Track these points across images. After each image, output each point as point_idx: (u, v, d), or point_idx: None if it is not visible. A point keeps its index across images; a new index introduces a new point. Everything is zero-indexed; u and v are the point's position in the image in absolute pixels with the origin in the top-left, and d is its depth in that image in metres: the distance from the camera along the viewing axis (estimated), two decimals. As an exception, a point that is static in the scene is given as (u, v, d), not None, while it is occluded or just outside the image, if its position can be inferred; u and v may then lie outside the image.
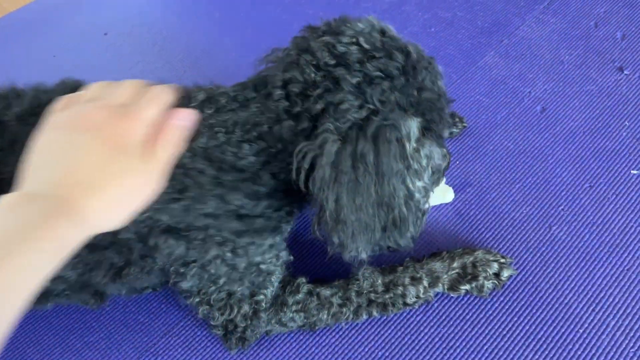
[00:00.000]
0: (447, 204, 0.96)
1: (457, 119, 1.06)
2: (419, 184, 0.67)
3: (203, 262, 0.74)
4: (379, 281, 0.83)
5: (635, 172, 0.97)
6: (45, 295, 0.79)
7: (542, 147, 1.03)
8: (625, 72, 1.13)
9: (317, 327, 0.83)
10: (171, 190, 0.69)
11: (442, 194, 0.95)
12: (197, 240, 0.73)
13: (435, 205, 0.96)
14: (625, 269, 0.85)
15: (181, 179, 0.69)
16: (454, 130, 1.06)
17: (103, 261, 0.75)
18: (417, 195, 0.67)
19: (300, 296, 0.82)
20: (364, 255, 0.70)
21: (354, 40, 0.66)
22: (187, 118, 0.57)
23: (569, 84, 1.13)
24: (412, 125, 0.65)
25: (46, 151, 0.51)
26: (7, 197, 0.47)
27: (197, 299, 0.80)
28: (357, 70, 0.64)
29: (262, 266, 0.78)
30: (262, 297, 0.80)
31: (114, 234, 0.72)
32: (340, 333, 0.84)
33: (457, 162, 1.02)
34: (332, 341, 0.84)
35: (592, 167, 0.98)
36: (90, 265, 0.75)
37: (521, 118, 1.08)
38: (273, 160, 0.70)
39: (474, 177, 1.00)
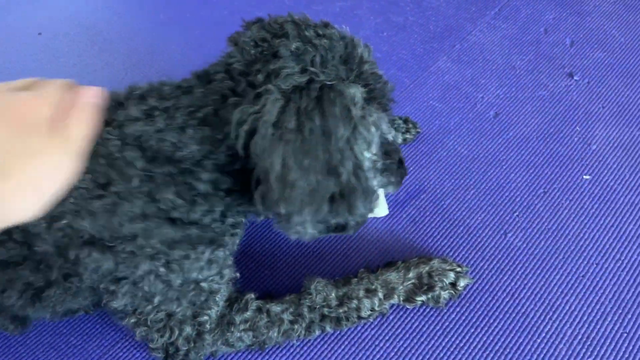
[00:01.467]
0: (383, 217, 0.92)
1: (410, 125, 1.03)
2: (368, 154, 0.63)
3: (134, 278, 0.67)
4: (333, 295, 0.79)
5: (587, 177, 0.96)
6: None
7: (496, 153, 1.01)
8: (575, 77, 1.13)
9: (266, 346, 0.78)
10: (92, 184, 0.62)
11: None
12: (124, 253, 0.65)
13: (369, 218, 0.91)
14: (581, 275, 0.84)
15: (105, 171, 0.62)
16: (408, 136, 1.03)
17: (16, 280, 0.67)
18: (367, 164, 0.63)
19: (248, 314, 0.76)
20: (310, 232, 0.64)
21: (289, 19, 0.66)
22: (96, 95, 0.53)
23: (521, 89, 1.12)
24: (356, 92, 0.62)
25: None
26: None
27: (133, 320, 0.73)
28: (296, 38, 0.63)
29: (203, 284, 0.72)
30: (205, 318, 0.73)
31: (28, 246, 0.65)
32: (291, 351, 0.79)
33: (411, 169, 0.99)
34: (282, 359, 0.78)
35: (545, 173, 0.97)
36: (1, 286, 0.67)
37: (474, 123, 1.07)
38: (218, 149, 0.64)
39: (428, 184, 0.97)
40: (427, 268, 0.82)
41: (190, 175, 0.65)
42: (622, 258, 0.86)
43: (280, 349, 0.79)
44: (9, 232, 0.65)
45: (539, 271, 0.85)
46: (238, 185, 0.66)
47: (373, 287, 0.80)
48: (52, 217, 0.62)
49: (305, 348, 0.80)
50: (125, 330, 0.81)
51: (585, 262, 0.85)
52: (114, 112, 0.65)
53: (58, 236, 0.64)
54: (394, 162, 0.78)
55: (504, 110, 1.08)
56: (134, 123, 0.64)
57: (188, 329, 0.73)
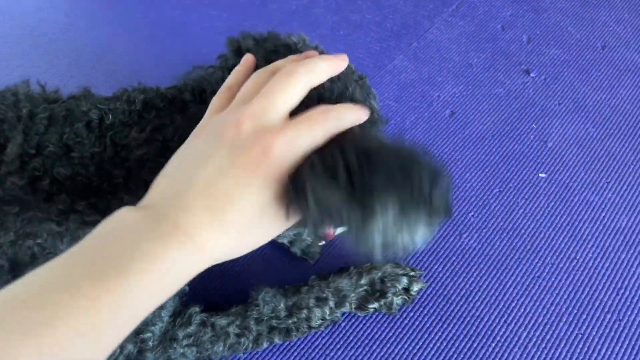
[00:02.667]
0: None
1: (365, 125, 1.01)
2: None
3: None
4: (282, 305, 0.76)
5: (543, 175, 0.95)
6: None
7: (451, 152, 0.99)
8: (531, 74, 1.12)
9: (212, 361, 0.74)
10: None
11: None
12: None
13: None
14: (536, 276, 0.82)
15: None
16: (363, 136, 1.00)
17: None
18: None
19: (192, 328, 0.72)
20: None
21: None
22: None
23: (477, 87, 1.11)
24: None
25: (179, 160, 0.49)
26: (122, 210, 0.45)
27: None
28: None
29: (146, 295, 0.68)
30: (149, 334, 0.70)
31: None
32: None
33: (366, 170, 0.97)
34: (230, 373, 0.75)
35: (501, 172, 0.96)
36: None
37: (430, 122, 1.05)
38: None
39: (383, 186, 0.95)
40: (379, 274, 0.79)
41: None
42: (577, 257, 0.84)
43: (225, 363, 0.76)
44: None
45: (493, 272, 0.83)
46: None
47: (324, 295, 0.77)
48: None
49: (254, 360, 0.76)
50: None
51: (540, 262, 0.84)
52: None
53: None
54: None
55: (460, 109, 1.07)
56: None
57: (130, 347, 0.69)
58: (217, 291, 0.83)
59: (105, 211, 0.47)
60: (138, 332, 0.69)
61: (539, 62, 1.15)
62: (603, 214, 0.90)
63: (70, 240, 0.57)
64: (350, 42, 1.23)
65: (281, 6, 1.34)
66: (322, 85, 0.55)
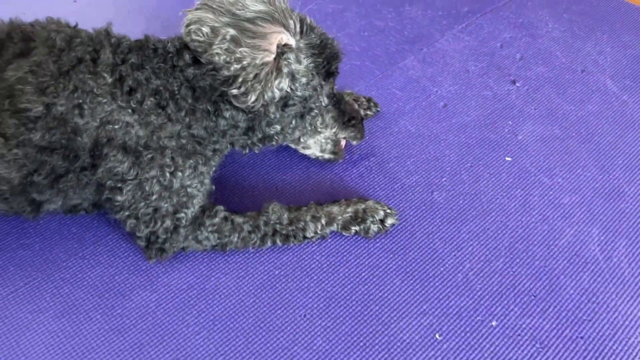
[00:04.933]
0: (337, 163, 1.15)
1: (372, 104, 1.25)
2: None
3: (141, 179, 0.89)
4: (285, 215, 0.99)
5: (509, 159, 1.17)
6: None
7: (438, 134, 1.23)
8: (517, 84, 1.35)
9: (227, 249, 0.98)
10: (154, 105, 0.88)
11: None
12: (145, 161, 0.88)
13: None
14: (485, 228, 1.05)
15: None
16: (369, 112, 1.24)
17: (47, 164, 0.88)
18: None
19: (216, 220, 0.97)
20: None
21: None
22: None
23: (470, 88, 1.34)
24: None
25: None
26: None
27: (127, 213, 0.93)
28: None
29: (189, 189, 0.93)
30: (182, 215, 0.94)
31: (70, 138, 0.86)
32: (247, 255, 1.00)
33: (367, 137, 1.20)
34: (239, 260, 0.99)
35: (475, 152, 1.19)
36: (35, 166, 0.88)
37: (425, 110, 1.28)
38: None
39: (377, 150, 1.19)
40: (363, 206, 1.03)
41: (210, 114, 0.93)
42: (522, 220, 1.06)
43: (238, 253, 0.99)
44: (63, 123, 0.85)
45: (453, 221, 1.06)
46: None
47: (318, 215, 1.01)
48: (107, 121, 0.85)
49: (257, 255, 0.99)
50: (116, 226, 1.01)
51: (490, 219, 1.06)
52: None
53: (103, 134, 0.86)
54: (358, 122, 1.05)
55: (452, 103, 1.30)
56: (190, 67, 0.89)
57: (168, 222, 0.93)
58: (237, 205, 1.07)
59: None
60: (175, 212, 0.93)
61: (525, 76, 1.38)
62: (551, 192, 1.11)
63: None
64: (372, 42, 1.48)
65: (320, 7, 1.60)
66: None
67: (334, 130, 1.05)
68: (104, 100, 0.86)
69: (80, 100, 0.85)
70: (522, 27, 1.53)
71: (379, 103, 1.27)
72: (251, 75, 0.85)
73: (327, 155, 1.10)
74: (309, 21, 0.94)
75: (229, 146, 1.00)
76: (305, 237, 1.00)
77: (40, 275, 0.95)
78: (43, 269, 0.96)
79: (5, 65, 0.85)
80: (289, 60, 0.89)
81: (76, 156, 0.88)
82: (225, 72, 0.85)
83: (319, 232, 1.00)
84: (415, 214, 1.07)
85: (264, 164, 1.16)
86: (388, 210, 1.03)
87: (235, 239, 0.97)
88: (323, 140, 1.06)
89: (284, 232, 0.99)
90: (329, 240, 1.02)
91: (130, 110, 0.87)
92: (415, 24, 1.55)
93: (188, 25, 0.86)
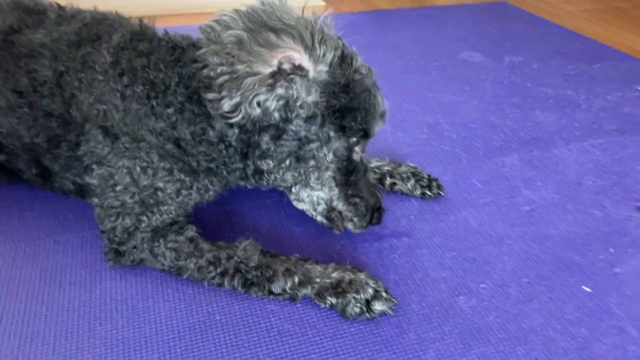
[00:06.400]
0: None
1: (435, 184, 1.05)
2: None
3: (113, 166, 0.83)
4: (255, 257, 0.83)
5: (587, 289, 0.85)
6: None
7: (504, 237, 0.96)
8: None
9: (184, 275, 0.84)
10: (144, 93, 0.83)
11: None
12: (121, 146, 0.83)
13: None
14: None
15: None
16: (427, 192, 1.04)
17: (46, 128, 0.88)
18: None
19: (180, 238, 0.84)
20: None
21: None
22: None
23: (574, 202, 1.06)
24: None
25: None
26: None
27: (96, 200, 0.87)
28: None
29: (160, 193, 0.84)
30: (145, 218, 0.84)
31: (66, 110, 0.86)
32: (200, 288, 0.84)
33: (411, 216, 0.99)
34: (189, 290, 0.84)
35: (543, 269, 0.89)
36: (38, 129, 0.89)
37: (502, 209, 1.03)
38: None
39: (416, 232, 0.96)
40: (351, 276, 0.81)
41: (208, 121, 0.82)
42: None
43: (190, 283, 0.84)
44: (64, 92, 0.87)
45: (466, 338, 0.76)
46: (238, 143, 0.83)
47: (294, 270, 0.82)
48: (99, 100, 0.84)
49: (209, 291, 0.83)
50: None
51: (521, 354, 0.74)
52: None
53: (93, 112, 0.84)
54: (368, 207, 0.88)
55: (541, 210, 1.02)
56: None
57: (128, 221, 0.84)
58: (225, 235, 0.94)
59: None
60: (139, 213, 0.84)
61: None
62: (633, 348, 0.75)
63: None
64: (475, 133, 1.28)
65: (437, 96, 1.47)
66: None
67: (330, 195, 0.87)
68: (101, 78, 0.84)
69: (83, 75, 0.85)
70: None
71: (446, 188, 1.06)
72: (235, 83, 0.74)
73: (319, 218, 0.91)
74: (346, 55, 0.81)
75: (229, 174, 0.89)
76: (270, 292, 0.81)
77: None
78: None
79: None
80: (292, 84, 0.76)
81: (69, 129, 0.87)
82: (211, 73, 0.75)
83: (287, 289, 0.81)
84: (420, 312, 0.80)
85: (288, 205, 1.01)
86: (382, 293, 0.79)
87: (192, 266, 0.83)
88: (315, 199, 0.89)
89: (248, 275, 0.82)
90: (299, 305, 0.81)
91: (119, 94, 0.83)
92: (537, 127, 1.32)
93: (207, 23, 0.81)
